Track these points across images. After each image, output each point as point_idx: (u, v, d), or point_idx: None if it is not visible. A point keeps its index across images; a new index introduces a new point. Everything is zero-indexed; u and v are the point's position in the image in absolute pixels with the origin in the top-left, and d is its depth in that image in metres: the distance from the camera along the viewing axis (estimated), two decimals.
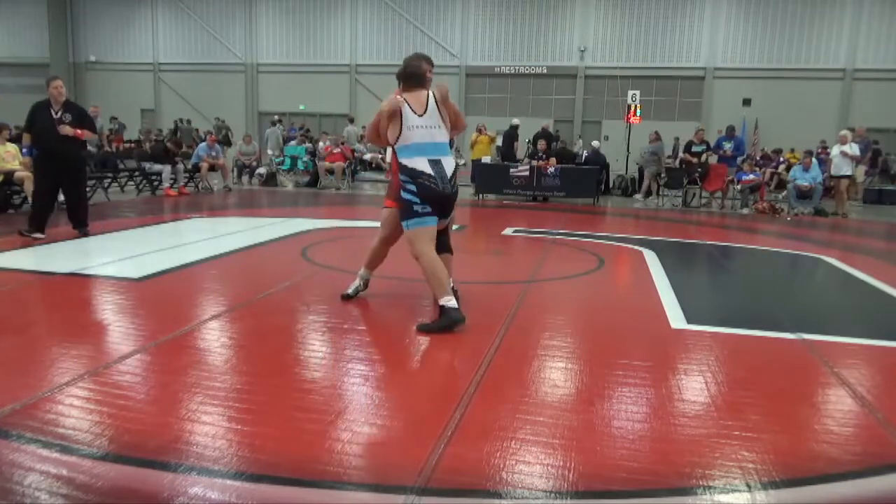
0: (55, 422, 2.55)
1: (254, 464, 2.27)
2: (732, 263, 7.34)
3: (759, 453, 2.45)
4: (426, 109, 4.04)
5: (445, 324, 3.87)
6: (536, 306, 4.77)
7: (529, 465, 2.33)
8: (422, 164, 3.99)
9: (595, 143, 15.80)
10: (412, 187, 3.99)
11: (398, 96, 4.08)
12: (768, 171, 14.27)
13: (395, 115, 3.99)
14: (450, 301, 3.90)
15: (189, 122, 22.80)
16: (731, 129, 14.35)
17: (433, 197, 4.00)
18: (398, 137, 4.01)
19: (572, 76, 23.02)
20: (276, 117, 21.57)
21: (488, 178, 13.60)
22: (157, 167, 11.90)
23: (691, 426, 2.71)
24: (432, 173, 3.99)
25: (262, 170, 14.92)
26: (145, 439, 2.42)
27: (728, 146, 13.72)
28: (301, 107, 25.24)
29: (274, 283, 5.06)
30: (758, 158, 16.45)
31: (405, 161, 4.01)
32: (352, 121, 19.60)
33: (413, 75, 4.12)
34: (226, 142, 19.93)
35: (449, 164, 4.11)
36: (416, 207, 4.00)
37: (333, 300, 4.74)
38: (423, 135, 4.02)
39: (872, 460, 2.46)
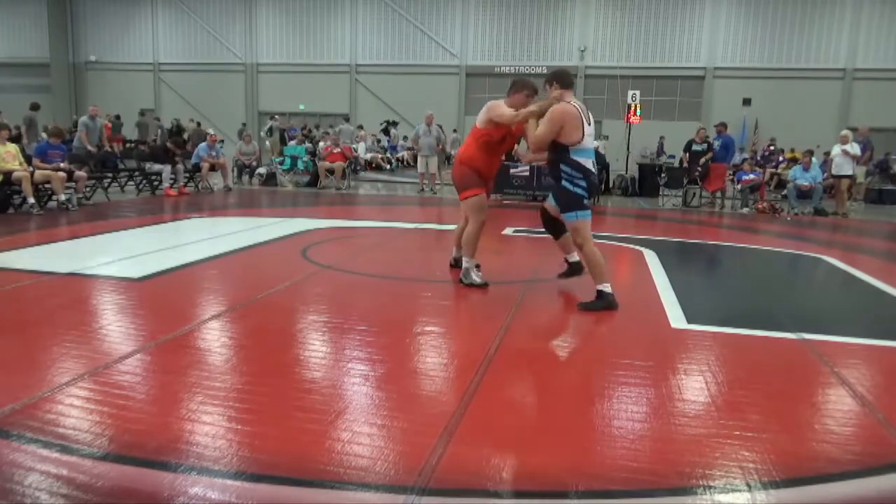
0: (55, 422, 2.55)
1: (254, 464, 2.27)
2: (732, 263, 7.33)
3: (759, 453, 2.45)
4: (590, 120, 4.57)
5: (602, 306, 4.44)
6: (536, 306, 4.77)
7: (529, 465, 2.33)
8: (590, 165, 4.58)
9: (597, 143, 15.79)
10: (583, 183, 4.53)
11: (572, 102, 4.50)
12: (768, 170, 14.24)
13: (575, 121, 4.43)
14: (606, 287, 4.48)
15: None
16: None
17: (594, 192, 4.68)
18: (580, 140, 4.46)
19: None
20: (276, 117, 21.58)
21: None
22: (157, 167, 11.90)
23: (691, 426, 2.71)
24: (595, 172, 4.65)
25: (262, 170, 14.91)
26: (145, 439, 2.42)
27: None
28: (301, 107, 25.25)
29: (274, 283, 5.06)
30: (758, 158, 16.43)
31: (580, 159, 4.51)
32: (347, 119, 19.62)
33: (568, 79, 4.66)
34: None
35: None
36: (585, 202, 4.59)
37: (333, 300, 4.75)
38: (590, 140, 4.57)
39: (872, 460, 2.46)
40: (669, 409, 2.86)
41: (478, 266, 5.16)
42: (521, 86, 4.92)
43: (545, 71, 23.01)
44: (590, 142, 4.56)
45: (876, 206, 14.62)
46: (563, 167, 4.52)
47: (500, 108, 4.81)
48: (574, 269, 5.10)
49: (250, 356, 3.49)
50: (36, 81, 26.86)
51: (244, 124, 22.71)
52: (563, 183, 4.54)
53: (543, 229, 5.26)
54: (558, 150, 4.53)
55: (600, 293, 4.48)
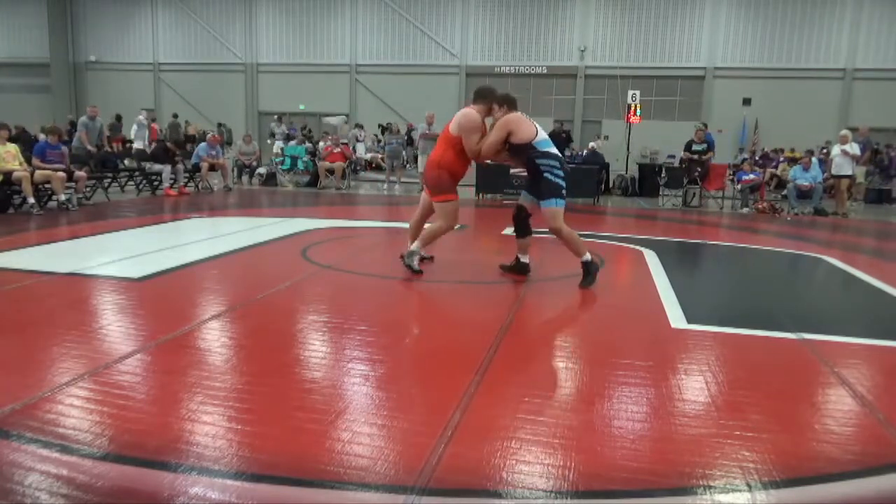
0: (55, 422, 2.55)
1: (254, 464, 2.27)
2: (732, 263, 7.33)
3: (759, 453, 2.45)
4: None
5: (593, 271, 5.02)
6: (536, 306, 4.77)
7: (529, 465, 2.33)
8: (556, 152, 5.03)
9: (593, 144, 15.80)
10: (560, 173, 5.00)
11: (512, 113, 5.10)
12: (768, 170, 14.24)
13: (522, 122, 5.02)
14: (587, 256, 5.03)
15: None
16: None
17: (569, 179, 5.07)
18: (535, 133, 5.00)
19: (572, 76, 23.01)
20: (277, 116, 21.57)
21: (488, 177, 13.59)
22: (157, 167, 11.90)
23: (692, 426, 2.71)
24: (561, 156, 5.10)
25: (262, 170, 14.92)
26: (145, 439, 2.42)
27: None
28: (301, 107, 25.23)
29: (274, 283, 5.06)
30: (757, 158, 16.43)
31: (549, 149, 5.02)
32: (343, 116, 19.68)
33: (514, 102, 5.22)
34: (227, 141, 19.97)
35: None
36: (563, 191, 5.02)
37: (333, 300, 4.75)
38: (544, 134, 5.08)
39: (872, 460, 2.46)
40: (669, 409, 2.86)
41: (432, 258, 5.81)
42: (485, 97, 5.27)
43: (545, 71, 23.14)
44: (545, 135, 5.11)
45: (876, 206, 14.62)
46: (538, 161, 5.01)
47: (472, 130, 5.15)
48: (519, 268, 5.50)
49: (250, 356, 3.49)
50: (36, 81, 26.83)
51: (219, 124, 22.59)
52: (546, 175, 5.01)
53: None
54: (526, 151, 5.04)
55: (585, 264, 5.01)
